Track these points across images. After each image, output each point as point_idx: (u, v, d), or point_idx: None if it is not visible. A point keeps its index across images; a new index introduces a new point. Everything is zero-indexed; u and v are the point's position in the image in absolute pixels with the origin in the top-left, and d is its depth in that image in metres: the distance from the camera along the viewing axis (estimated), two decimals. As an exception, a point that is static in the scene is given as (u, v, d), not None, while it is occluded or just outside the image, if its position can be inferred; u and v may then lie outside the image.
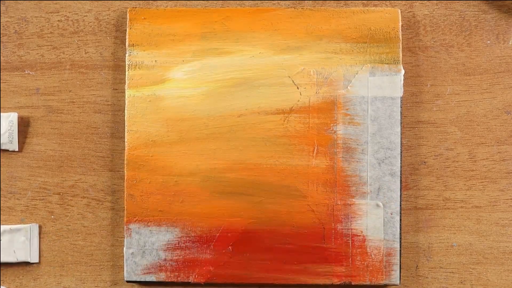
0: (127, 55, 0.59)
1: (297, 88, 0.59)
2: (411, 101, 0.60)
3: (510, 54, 0.60)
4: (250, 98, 0.59)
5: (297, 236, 0.58)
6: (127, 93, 0.59)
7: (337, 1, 0.61)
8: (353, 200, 0.58)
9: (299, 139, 0.59)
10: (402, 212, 0.59)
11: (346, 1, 0.61)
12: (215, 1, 0.61)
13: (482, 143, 0.60)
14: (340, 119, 0.58)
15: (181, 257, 0.59)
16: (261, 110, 0.59)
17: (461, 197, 0.60)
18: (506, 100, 0.60)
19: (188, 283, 0.59)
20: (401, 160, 0.58)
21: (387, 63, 0.58)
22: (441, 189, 0.60)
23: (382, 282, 0.58)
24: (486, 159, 0.60)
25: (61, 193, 0.61)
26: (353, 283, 0.58)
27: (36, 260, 0.60)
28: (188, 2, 0.61)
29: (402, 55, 0.59)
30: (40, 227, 0.61)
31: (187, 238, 0.59)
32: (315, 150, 0.58)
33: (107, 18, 0.61)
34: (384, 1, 0.61)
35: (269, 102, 0.59)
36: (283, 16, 0.59)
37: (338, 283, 0.58)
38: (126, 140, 0.59)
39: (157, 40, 0.59)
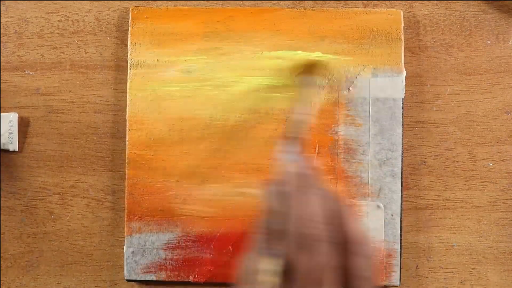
0: (128, 54, 0.59)
1: (299, 88, 0.59)
2: (411, 101, 0.60)
3: (510, 54, 0.61)
4: (251, 98, 0.59)
5: (298, 236, 0.58)
6: (128, 92, 0.59)
7: (337, 1, 0.61)
8: (354, 201, 0.58)
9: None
10: (402, 212, 0.59)
11: (346, 1, 0.61)
12: (215, 1, 0.61)
13: (482, 143, 0.60)
14: (341, 120, 0.58)
15: (182, 256, 0.59)
16: (263, 110, 0.59)
17: (461, 197, 0.60)
18: (506, 100, 0.60)
19: (188, 283, 0.59)
20: (402, 162, 0.58)
21: (389, 65, 0.58)
22: (441, 189, 0.60)
23: (382, 283, 0.58)
24: (486, 159, 0.60)
25: (61, 193, 0.61)
26: (353, 283, 0.58)
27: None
28: (188, 1, 0.61)
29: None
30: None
31: (188, 238, 0.59)
32: (316, 150, 0.58)
33: (107, 18, 0.61)
34: (384, 1, 0.61)
35: (271, 102, 0.59)
36: (285, 16, 0.59)
37: (339, 283, 0.58)
38: (127, 139, 0.59)
39: (159, 39, 0.59)
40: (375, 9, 0.60)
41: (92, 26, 0.61)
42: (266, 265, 0.38)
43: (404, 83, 0.58)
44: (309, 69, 0.50)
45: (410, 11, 0.61)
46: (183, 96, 0.59)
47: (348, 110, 0.58)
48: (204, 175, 0.59)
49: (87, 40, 0.61)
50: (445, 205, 0.60)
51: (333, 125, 0.58)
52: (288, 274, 0.39)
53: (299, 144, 0.45)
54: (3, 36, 0.61)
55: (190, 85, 0.59)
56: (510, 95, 0.60)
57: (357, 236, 0.41)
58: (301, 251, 0.39)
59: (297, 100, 0.48)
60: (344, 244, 0.41)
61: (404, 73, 0.58)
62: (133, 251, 0.59)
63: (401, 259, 0.58)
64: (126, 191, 0.59)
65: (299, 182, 0.41)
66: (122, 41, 0.61)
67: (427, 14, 0.61)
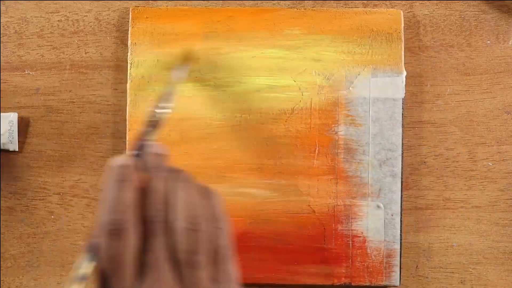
0: (128, 54, 0.59)
1: (299, 88, 0.59)
2: (411, 101, 0.60)
3: (510, 54, 0.61)
4: (251, 98, 0.59)
5: (298, 236, 0.58)
6: (128, 92, 0.59)
7: (336, 1, 0.61)
8: (354, 201, 0.58)
9: (301, 139, 0.58)
10: (402, 212, 0.59)
11: (346, 1, 0.61)
12: (215, 1, 0.61)
13: (482, 143, 0.60)
14: (341, 120, 0.58)
15: (181, 256, 0.58)
16: (263, 110, 0.59)
17: (461, 197, 0.60)
18: (506, 100, 0.60)
19: (188, 283, 0.59)
20: (402, 162, 0.58)
21: (389, 65, 0.58)
22: (441, 189, 0.60)
23: (382, 283, 0.58)
24: (486, 159, 0.60)
25: (61, 193, 0.61)
26: (353, 284, 0.58)
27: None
28: (188, 2, 0.61)
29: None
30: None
31: (187, 238, 0.58)
32: (316, 150, 0.58)
33: (107, 18, 0.61)
34: (384, 1, 0.61)
35: (271, 102, 0.59)
36: (285, 16, 0.59)
37: (338, 284, 0.58)
38: (127, 139, 0.59)
39: (159, 39, 0.59)
40: (375, 9, 0.59)
41: (92, 26, 0.61)
42: (81, 260, 0.38)
43: (404, 83, 0.58)
44: (185, 58, 0.52)
45: (410, 11, 0.61)
46: (183, 96, 0.59)
47: (348, 110, 0.58)
48: (204, 175, 0.59)
49: (87, 40, 0.61)
50: (445, 205, 0.60)
51: (333, 125, 0.58)
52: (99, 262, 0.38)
53: (154, 132, 0.46)
54: (3, 36, 0.61)
55: (190, 85, 0.59)
56: (510, 95, 0.60)
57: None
58: (109, 237, 0.38)
59: (163, 93, 0.50)
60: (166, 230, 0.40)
61: (404, 73, 0.58)
62: (133, 251, 0.58)
63: (401, 259, 0.58)
64: (126, 191, 0.59)
65: (123, 171, 0.40)
66: (122, 41, 0.61)
67: (427, 14, 0.61)
